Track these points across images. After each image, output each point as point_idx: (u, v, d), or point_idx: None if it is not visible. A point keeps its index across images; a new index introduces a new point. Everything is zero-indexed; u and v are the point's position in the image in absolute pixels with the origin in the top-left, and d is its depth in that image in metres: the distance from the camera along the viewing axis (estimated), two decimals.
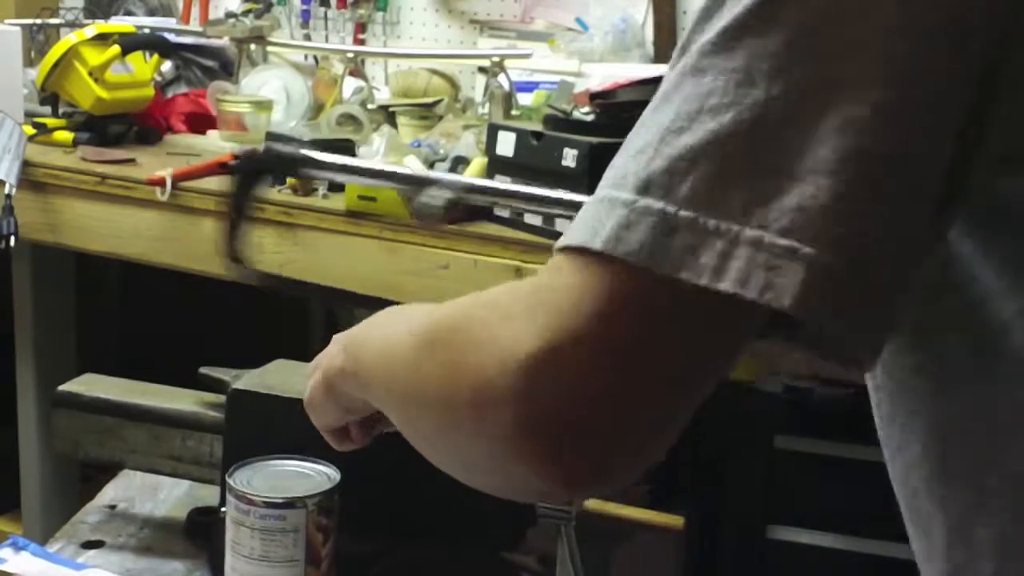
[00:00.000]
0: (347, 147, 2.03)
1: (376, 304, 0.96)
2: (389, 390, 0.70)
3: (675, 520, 1.20)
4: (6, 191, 2.06)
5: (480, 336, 0.59)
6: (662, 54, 2.45)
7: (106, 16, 2.78)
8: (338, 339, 0.83)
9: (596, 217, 0.57)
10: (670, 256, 0.54)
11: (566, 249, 0.58)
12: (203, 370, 1.23)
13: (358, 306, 1.47)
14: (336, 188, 1.92)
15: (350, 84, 2.40)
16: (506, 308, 0.59)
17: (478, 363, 0.58)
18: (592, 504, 1.13)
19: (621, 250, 0.55)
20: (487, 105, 2.24)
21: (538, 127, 1.82)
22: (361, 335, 0.79)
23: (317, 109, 2.40)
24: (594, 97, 1.79)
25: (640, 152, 0.57)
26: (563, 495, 0.62)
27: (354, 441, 0.91)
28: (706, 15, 0.58)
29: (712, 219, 0.54)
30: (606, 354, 0.56)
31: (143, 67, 2.36)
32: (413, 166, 1.96)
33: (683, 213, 0.55)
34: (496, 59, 2.24)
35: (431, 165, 1.99)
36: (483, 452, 0.60)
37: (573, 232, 0.58)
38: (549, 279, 0.58)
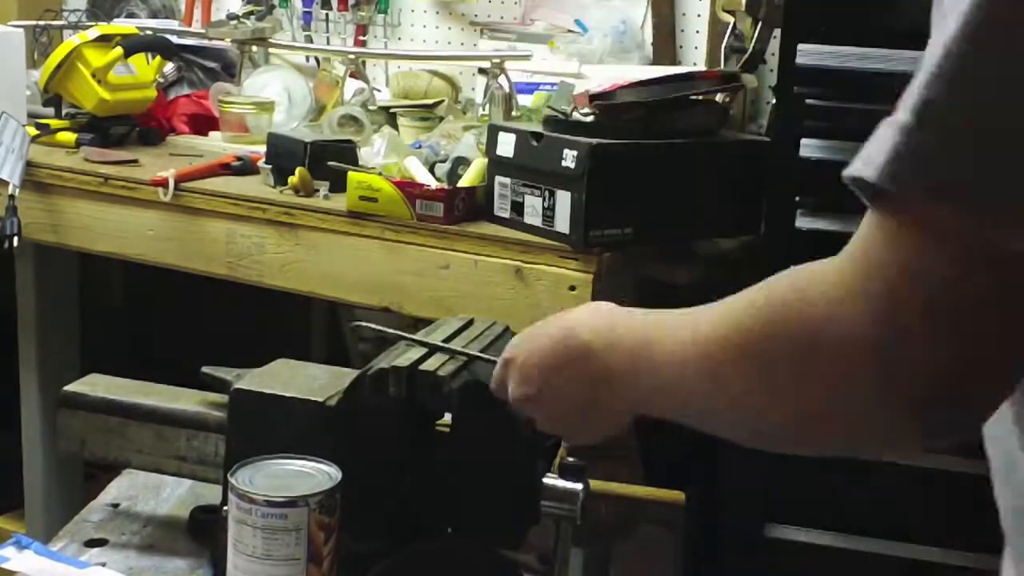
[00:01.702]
0: (349, 148, 2.04)
1: None
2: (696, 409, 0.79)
3: (676, 495, 1.22)
4: (10, 192, 2.07)
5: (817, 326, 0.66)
6: (661, 56, 2.46)
7: (109, 18, 2.79)
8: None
9: None
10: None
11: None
12: (205, 369, 1.24)
13: None
14: (337, 188, 1.93)
15: (351, 85, 2.41)
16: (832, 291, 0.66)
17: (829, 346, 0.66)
18: (596, 485, 1.14)
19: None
20: (487, 106, 2.25)
21: (538, 128, 1.82)
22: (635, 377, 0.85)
23: (319, 110, 2.41)
24: (593, 98, 1.79)
25: None
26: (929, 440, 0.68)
27: None
28: None
29: None
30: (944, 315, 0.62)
31: (145, 69, 2.37)
32: (414, 167, 1.97)
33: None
34: (496, 60, 2.25)
35: (432, 166, 2.00)
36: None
37: None
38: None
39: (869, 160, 0.63)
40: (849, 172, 0.64)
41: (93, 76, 2.25)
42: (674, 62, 2.46)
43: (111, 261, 2.34)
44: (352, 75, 2.41)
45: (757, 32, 2.15)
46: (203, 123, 2.44)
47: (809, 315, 0.67)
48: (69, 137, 2.27)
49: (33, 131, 2.24)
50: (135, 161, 2.19)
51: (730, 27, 2.23)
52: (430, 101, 2.37)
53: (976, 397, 0.65)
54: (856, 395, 0.65)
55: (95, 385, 1.29)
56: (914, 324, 0.62)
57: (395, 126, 2.29)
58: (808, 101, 1.87)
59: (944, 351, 0.62)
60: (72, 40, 2.28)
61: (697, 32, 2.45)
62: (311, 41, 2.76)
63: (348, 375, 1.16)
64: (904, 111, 0.62)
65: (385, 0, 2.71)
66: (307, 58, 2.69)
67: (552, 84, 2.22)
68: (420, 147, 2.08)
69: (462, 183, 1.91)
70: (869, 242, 0.65)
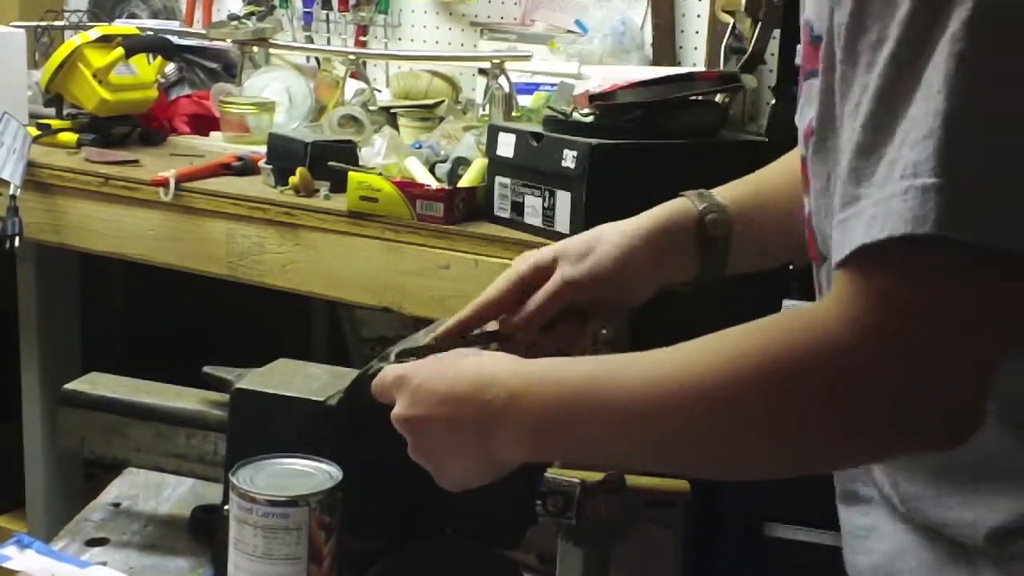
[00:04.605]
0: (349, 148, 2.04)
1: None
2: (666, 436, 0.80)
3: (682, 484, 1.22)
4: (11, 192, 2.08)
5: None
6: (661, 56, 2.47)
7: (110, 18, 2.79)
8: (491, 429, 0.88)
9: None
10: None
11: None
12: (206, 369, 1.24)
13: None
14: (338, 189, 1.94)
15: (352, 86, 2.41)
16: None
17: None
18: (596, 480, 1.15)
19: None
20: (487, 106, 2.25)
21: (538, 128, 1.83)
22: (557, 425, 0.85)
23: (319, 111, 2.41)
24: (593, 99, 1.80)
25: None
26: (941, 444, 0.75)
27: None
28: None
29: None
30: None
31: (147, 69, 2.37)
32: (414, 167, 1.97)
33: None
34: (496, 61, 2.25)
35: (432, 166, 2.00)
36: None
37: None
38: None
39: (908, 220, 0.68)
40: (887, 232, 0.69)
41: (94, 76, 2.25)
42: (674, 62, 2.46)
43: (112, 261, 2.34)
44: (352, 75, 2.41)
45: (757, 32, 2.15)
46: (204, 123, 2.45)
47: (821, 348, 0.72)
48: (70, 137, 2.28)
49: (34, 131, 2.24)
50: (136, 161, 2.19)
51: (730, 27, 2.23)
52: (430, 101, 2.37)
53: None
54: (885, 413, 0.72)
55: (95, 383, 1.29)
56: (938, 354, 0.70)
57: (395, 126, 2.29)
58: None
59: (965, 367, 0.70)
60: (73, 40, 2.28)
61: (697, 32, 2.45)
62: (312, 41, 2.76)
63: (348, 375, 1.16)
64: (919, 174, 0.68)
65: (385, 1, 2.71)
66: (308, 58, 2.69)
67: (552, 84, 2.22)
68: (420, 147, 2.08)
69: (462, 183, 1.92)
70: (882, 290, 0.70)
